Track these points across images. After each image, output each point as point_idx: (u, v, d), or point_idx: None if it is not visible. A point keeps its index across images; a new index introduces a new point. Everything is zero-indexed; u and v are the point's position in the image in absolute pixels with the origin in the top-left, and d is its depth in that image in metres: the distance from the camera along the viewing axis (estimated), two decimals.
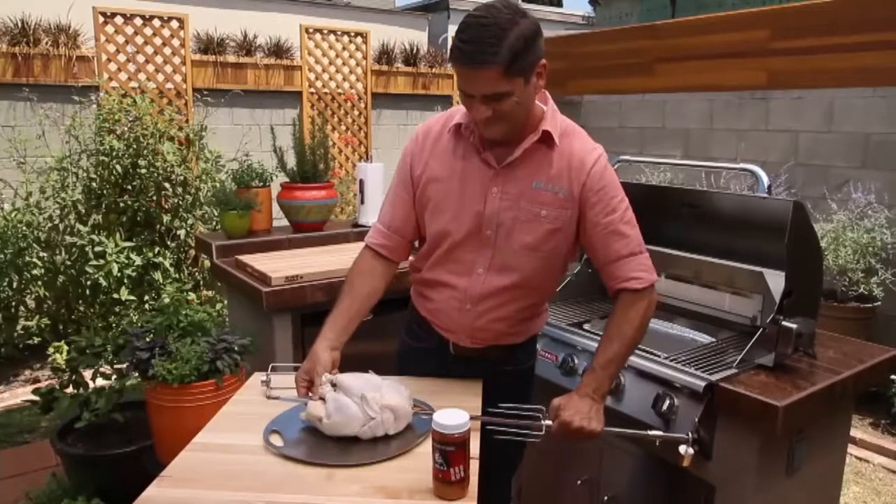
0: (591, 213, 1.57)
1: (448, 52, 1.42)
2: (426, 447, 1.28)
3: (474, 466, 1.25)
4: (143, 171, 4.15)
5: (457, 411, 1.23)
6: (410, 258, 1.79)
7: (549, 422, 1.46)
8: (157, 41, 4.58)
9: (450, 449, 1.18)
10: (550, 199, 1.56)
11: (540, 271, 1.62)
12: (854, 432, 3.39)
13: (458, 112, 1.63)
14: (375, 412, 1.37)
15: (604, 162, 1.60)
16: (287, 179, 3.11)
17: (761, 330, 1.82)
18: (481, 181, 1.58)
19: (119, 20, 4.41)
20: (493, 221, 1.58)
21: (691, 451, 1.46)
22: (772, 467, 1.71)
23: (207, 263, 4.19)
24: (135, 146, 4.10)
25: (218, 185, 4.16)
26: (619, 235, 1.57)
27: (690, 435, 1.46)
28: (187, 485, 1.24)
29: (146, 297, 4.09)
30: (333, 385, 1.43)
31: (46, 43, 4.73)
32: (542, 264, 1.61)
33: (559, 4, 15.03)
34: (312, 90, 5.49)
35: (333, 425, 1.39)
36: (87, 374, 2.44)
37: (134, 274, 4.00)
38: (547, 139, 1.56)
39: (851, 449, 3.31)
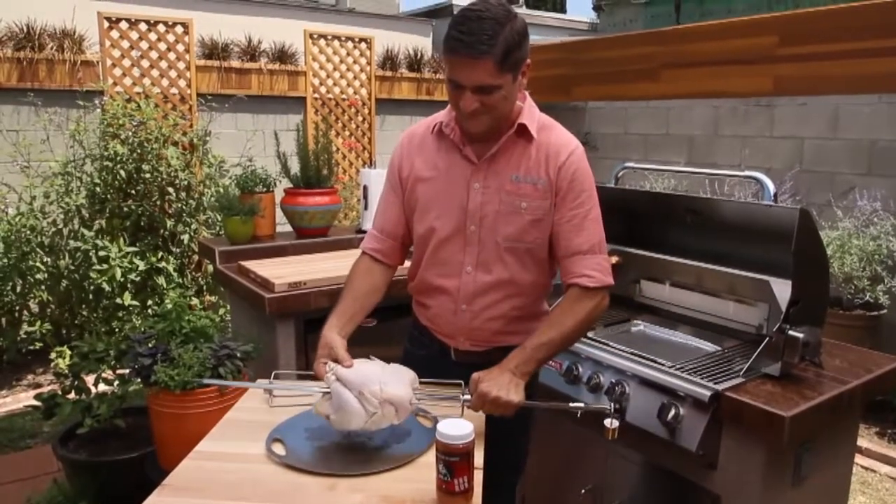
0: (559, 202, 1.60)
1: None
2: (430, 457, 1.27)
3: (478, 477, 1.24)
4: (147, 175, 4.15)
5: (461, 421, 1.22)
6: (407, 262, 1.81)
7: (467, 396, 1.45)
8: (162, 46, 4.58)
9: (454, 459, 1.17)
10: (530, 190, 1.59)
11: (526, 266, 1.64)
12: (860, 441, 3.36)
13: (440, 115, 1.68)
14: (375, 407, 1.37)
15: (580, 155, 1.62)
16: (291, 185, 3.11)
17: (767, 339, 1.80)
18: (463, 176, 1.62)
19: (124, 25, 4.41)
20: (476, 216, 1.61)
21: (616, 422, 1.44)
22: (778, 477, 1.69)
23: (210, 269, 4.19)
24: (139, 151, 4.11)
25: (221, 190, 4.15)
26: (581, 230, 1.59)
27: (612, 405, 1.44)
28: (188, 494, 1.23)
29: (149, 302, 4.08)
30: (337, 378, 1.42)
31: (51, 48, 4.74)
32: (528, 258, 1.64)
33: (563, 10, 15.05)
34: (316, 95, 5.49)
35: (338, 421, 1.39)
36: (90, 379, 2.44)
37: (137, 279, 4.00)
38: (524, 132, 1.60)
39: (857, 458, 3.28)
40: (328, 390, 1.41)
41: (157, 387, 1.98)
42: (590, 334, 2.12)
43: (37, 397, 2.45)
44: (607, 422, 1.43)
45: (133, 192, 4.19)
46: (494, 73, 1.44)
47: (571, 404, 1.47)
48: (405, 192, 1.71)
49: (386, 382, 1.39)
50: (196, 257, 4.44)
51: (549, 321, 1.59)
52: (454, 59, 1.45)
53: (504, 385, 1.44)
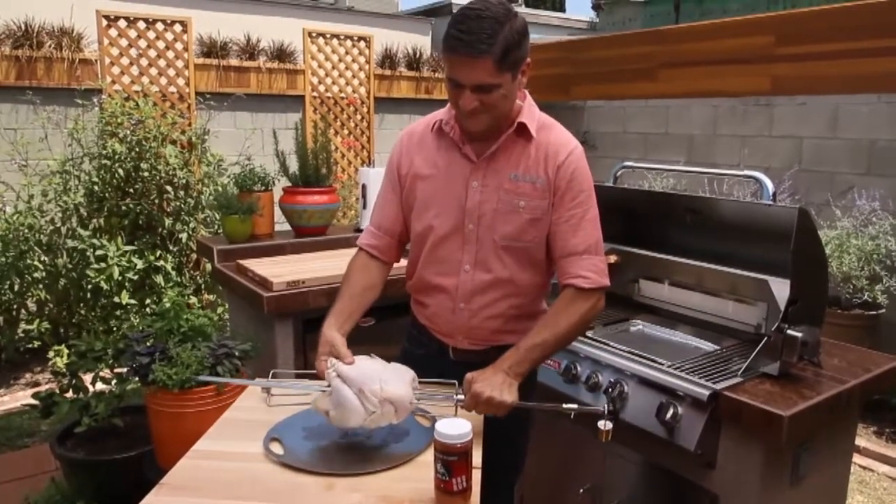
0: (557, 201, 1.60)
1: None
2: (428, 456, 1.27)
3: (476, 476, 1.24)
4: (146, 174, 4.14)
5: (459, 420, 1.22)
6: (403, 261, 1.81)
7: (461, 396, 1.45)
8: (161, 44, 4.57)
9: (452, 459, 1.17)
10: (529, 189, 1.59)
11: (524, 265, 1.64)
12: (858, 441, 3.37)
13: (440, 113, 1.68)
14: (375, 405, 1.36)
15: (579, 154, 1.62)
16: (289, 183, 3.10)
17: (766, 338, 1.80)
18: (462, 175, 1.62)
19: (122, 23, 4.40)
20: (474, 214, 1.61)
21: (610, 424, 1.43)
22: (776, 477, 1.69)
23: (209, 267, 4.18)
24: (137, 149, 4.10)
25: (220, 188, 4.15)
26: (578, 231, 1.59)
27: (606, 407, 1.44)
28: (186, 493, 1.23)
29: (147, 301, 4.08)
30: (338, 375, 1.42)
31: (50, 46, 4.73)
32: (525, 258, 1.64)
33: (562, 9, 15.04)
34: (315, 94, 5.48)
35: (337, 418, 1.39)
36: (88, 378, 2.43)
37: (135, 277, 3.99)
38: (524, 131, 1.60)
39: (855, 458, 3.28)
40: (327, 388, 1.41)
41: (155, 386, 1.97)
42: (588, 333, 2.12)
43: (34, 396, 2.45)
44: (601, 423, 1.43)
45: (131, 190, 4.18)
46: (493, 72, 1.44)
47: (565, 405, 1.46)
48: (404, 189, 1.71)
49: (386, 381, 1.39)
50: (194, 256, 4.43)
51: (544, 322, 1.59)
52: (453, 57, 1.45)
53: (497, 385, 1.43)
